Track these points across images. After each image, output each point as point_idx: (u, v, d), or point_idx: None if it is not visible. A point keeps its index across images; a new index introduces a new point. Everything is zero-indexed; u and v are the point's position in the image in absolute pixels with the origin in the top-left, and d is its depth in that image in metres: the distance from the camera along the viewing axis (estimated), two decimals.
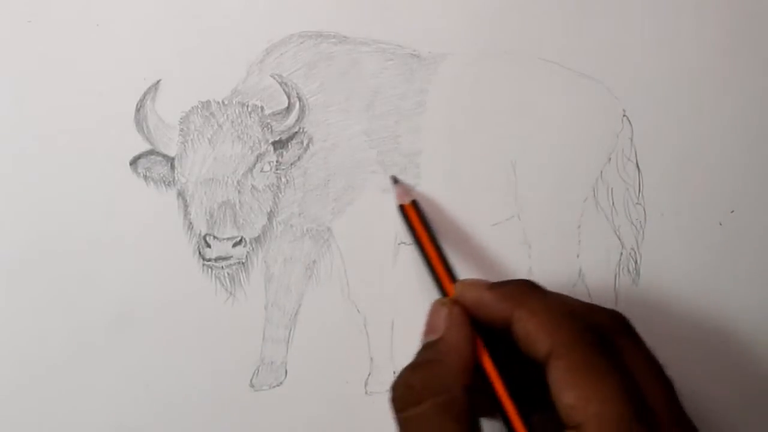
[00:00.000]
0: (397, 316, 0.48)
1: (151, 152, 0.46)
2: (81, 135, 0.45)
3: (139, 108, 0.45)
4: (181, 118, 0.46)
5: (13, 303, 0.45)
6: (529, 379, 0.37)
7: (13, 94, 0.45)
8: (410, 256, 0.48)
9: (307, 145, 0.47)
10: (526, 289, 0.39)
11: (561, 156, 0.49)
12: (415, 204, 0.45)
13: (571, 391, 0.34)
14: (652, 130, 0.49)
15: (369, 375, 0.48)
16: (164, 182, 0.46)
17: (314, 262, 0.48)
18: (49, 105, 0.45)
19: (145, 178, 0.46)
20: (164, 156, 0.46)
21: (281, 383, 0.47)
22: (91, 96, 0.45)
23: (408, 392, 0.37)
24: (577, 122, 0.49)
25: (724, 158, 0.50)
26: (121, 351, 0.46)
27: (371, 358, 0.48)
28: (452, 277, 0.42)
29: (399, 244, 0.48)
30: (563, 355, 0.35)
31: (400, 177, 0.47)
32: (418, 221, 0.44)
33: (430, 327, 0.40)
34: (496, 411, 0.38)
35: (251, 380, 0.47)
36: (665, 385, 0.36)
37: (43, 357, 0.45)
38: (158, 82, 0.46)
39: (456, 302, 0.40)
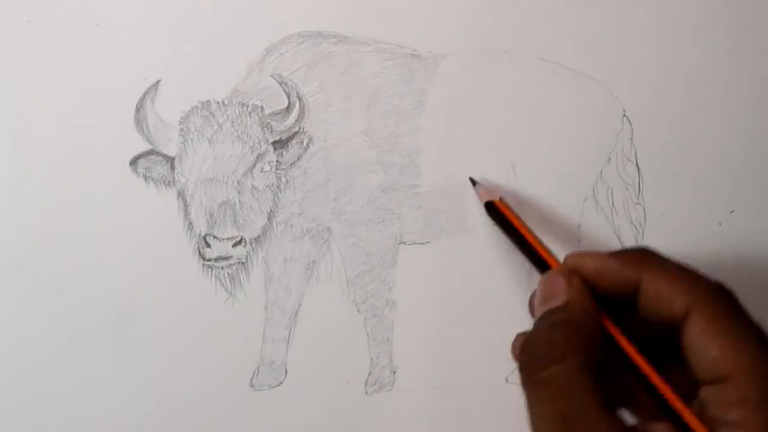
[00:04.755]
0: (397, 316, 0.48)
1: (151, 152, 0.46)
2: (81, 135, 0.45)
3: (139, 108, 0.45)
4: (181, 118, 0.46)
5: (14, 303, 0.45)
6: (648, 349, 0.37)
7: (13, 94, 0.45)
8: (410, 255, 0.48)
9: (307, 145, 0.47)
10: (649, 254, 0.39)
11: (561, 156, 0.49)
12: (502, 200, 0.45)
13: (717, 342, 0.34)
14: (652, 130, 0.49)
15: (369, 375, 0.48)
16: (164, 182, 0.46)
17: (314, 262, 0.48)
18: (49, 105, 0.45)
19: (145, 178, 0.46)
20: (164, 156, 0.46)
21: (281, 383, 0.47)
22: (91, 96, 0.45)
23: (550, 348, 0.36)
24: (577, 122, 0.49)
25: (723, 158, 0.50)
26: (121, 351, 0.46)
27: (371, 358, 0.48)
28: (553, 255, 0.42)
29: (399, 243, 0.48)
30: (704, 308, 0.35)
31: (401, 176, 0.48)
32: (511, 214, 0.44)
33: (547, 295, 0.39)
34: (623, 379, 0.37)
35: (251, 380, 0.47)
36: None
37: (42, 357, 0.45)
38: (158, 82, 0.46)
39: (573, 271, 0.39)
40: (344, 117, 0.47)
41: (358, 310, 0.48)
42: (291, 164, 0.47)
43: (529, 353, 0.37)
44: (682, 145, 0.50)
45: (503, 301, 0.49)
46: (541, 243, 0.43)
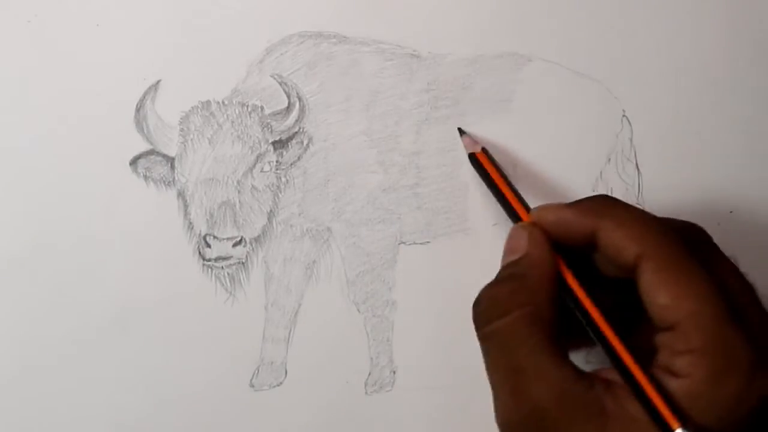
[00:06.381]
0: (397, 316, 0.48)
1: (151, 152, 0.46)
2: (81, 135, 0.45)
3: (139, 108, 0.45)
4: (181, 118, 0.46)
5: (13, 302, 0.45)
6: (609, 302, 0.37)
7: (13, 94, 0.45)
8: (410, 255, 0.48)
9: (307, 145, 0.47)
10: (606, 202, 0.38)
11: (560, 156, 0.49)
12: (485, 151, 0.45)
13: (665, 290, 0.34)
14: (652, 130, 0.49)
15: (369, 375, 0.48)
16: (164, 182, 0.46)
17: (314, 262, 0.48)
18: (49, 105, 0.45)
19: (145, 178, 0.46)
20: (164, 156, 0.46)
21: (281, 383, 0.47)
22: (90, 96, 0.45)
23: (493, 304, 0.37)
24: (577, 122, 0.49)
25: (723, 158, 0.50)
26: (121, 351, 0.46)
27: (371, 358, 0.48)
28: (527, 209, 0.42)
29: (399, 243, 0.48)
30: (654, 256, 0.35)
31: (402, 176, 0.48)
32: (490, 165, 0.45)
33: (510, 248, 0.39)
34: (578, 332, 0.38)
35: (251, 380, 0.47)
36: (749, 288, 0.37)
37: (42, 357, 0.45)
38: (158, 82, 0.46)
39: (535, 224, 0.39)
40: (344, 117, 0.47)
41: (358, 310, 0.48)
42: (291, 164, 0.47)
43: (478, 308, 0.38)
44: (682, 145, 0.50)
45: None
46: (516, 196, 0.43)
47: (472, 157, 0.45)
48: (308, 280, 0.48)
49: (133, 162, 0.46)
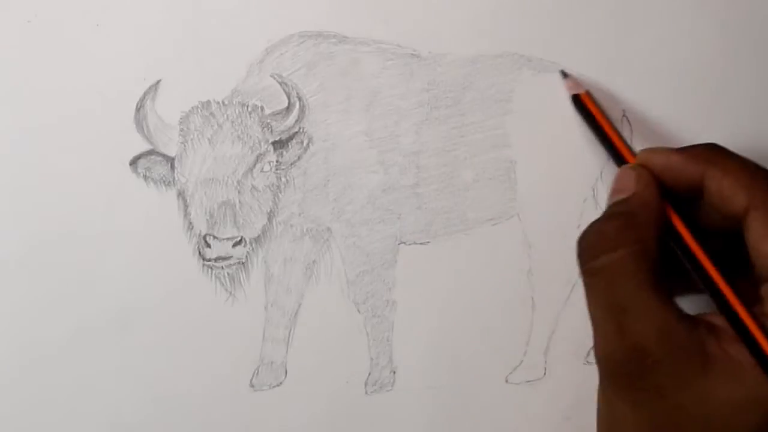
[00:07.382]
0: (397, 316, 0.48)
1: (151, 152, 0.46)
2: (81, 135, 0.45)
3: (139, 108, 0.45)
4: (181, 118, 0.46)
5: (14, 302, 0.45)
6: (712, 251, 0.37)
7: (13, 94, 0.45)
8: (410, 255, 0.48)
9: (307, 145, 0.47)
10: (714, 150, 0.39)
11: (561, 156, 0.49)
12: (589, 94, 0.46)
13: None
14: (652, 131, 0.49)
15: (369, 375, 0.48)
16: (164, 182, 0.46)
17: (314, 262, 0.48)
18: (49, 105, 0.45)
19: (145, 178, 0.46)
20: (164, 156, 0.46)
21: (281, 383, 0.47)
22: (90, 96, 0.45)
23: (601, 239, 0.37)
24: (577, 122, 0.49)
25: None
26: (121, 351, 0.46)
27: (371, 358, 0.48)
28: (632, 152, 0.42)
29: (399, 243, 0.48)
30: (762, 206, 0.35)
31: (401, 176, 0.48)
32: (594, 107, 0.45)
33: (618, 188, 0.40)
34: (679, 279, 0.38)
35: (251, 380, 0.47)
36: None
37: (42, 357, 0.45)
38: (158, 82, 0.46)
39: (643, 166, 0.40)
40: (344, 117, 0.47)
41: (358, 310, 0.48)
42: (291, 164, 0.47)
43: (584, 242, 0.38)
44: (681, 145, 0.50)
45: (503, 301, 0.49)
46: (621, 138, 0.43)
47: (576, 99, 0.46)
48: (308, 280, 0.48)
49: (133, 162, 0.46)
